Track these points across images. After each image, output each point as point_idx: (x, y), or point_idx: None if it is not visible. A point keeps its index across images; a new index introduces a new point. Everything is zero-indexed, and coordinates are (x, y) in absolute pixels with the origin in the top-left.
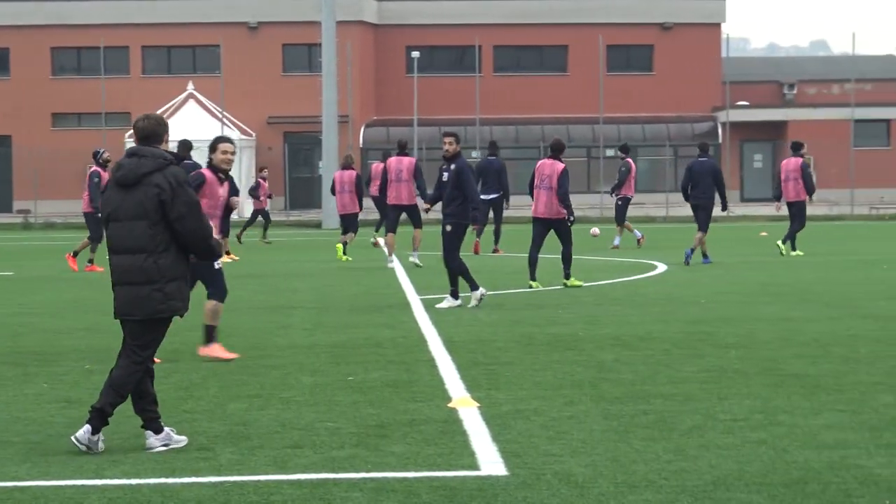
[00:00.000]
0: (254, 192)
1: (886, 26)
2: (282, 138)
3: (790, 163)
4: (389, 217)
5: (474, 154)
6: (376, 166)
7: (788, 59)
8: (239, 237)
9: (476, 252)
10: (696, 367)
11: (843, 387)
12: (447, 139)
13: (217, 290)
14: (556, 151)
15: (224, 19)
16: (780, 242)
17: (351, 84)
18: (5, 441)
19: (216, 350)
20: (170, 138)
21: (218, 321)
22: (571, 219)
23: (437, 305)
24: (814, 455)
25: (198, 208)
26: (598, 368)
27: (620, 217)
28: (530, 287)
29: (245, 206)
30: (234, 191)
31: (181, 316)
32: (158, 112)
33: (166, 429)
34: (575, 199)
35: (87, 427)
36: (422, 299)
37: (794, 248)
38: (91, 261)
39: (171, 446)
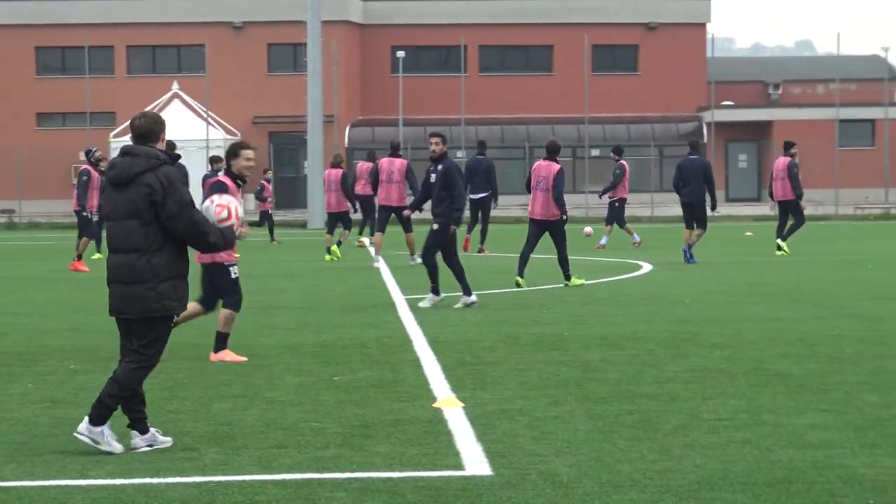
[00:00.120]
0: (260, 194)
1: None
2: (267, 138)
3: (780, 162)
4: (379, 217)
5: (460, 154)
6: (361, 165)
7: (773, 59)
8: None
9: (465, 249)
10: (680, 367)
11: (828, 386)
12: (433, 140)
13: (231, 299)
14: (552, 152)
15: (209, 19)
16: (780, 241)
17: (336, 84)
18: None
19: (227, 355)
20: (175, 140)
21: (230, 329)
22: (564, 217)
23: (420, 304)
24: (798, 455)
25: (190, 207)
26: (584, 368)
27: (617, 219)
28: (516, 283)
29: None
30: None
31: (177, 314)
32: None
33: (152, 429)
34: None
35: (86, 418)
36: (407, 299)
37: (782, 242)
38: (79, 257)
39: (155, 447)
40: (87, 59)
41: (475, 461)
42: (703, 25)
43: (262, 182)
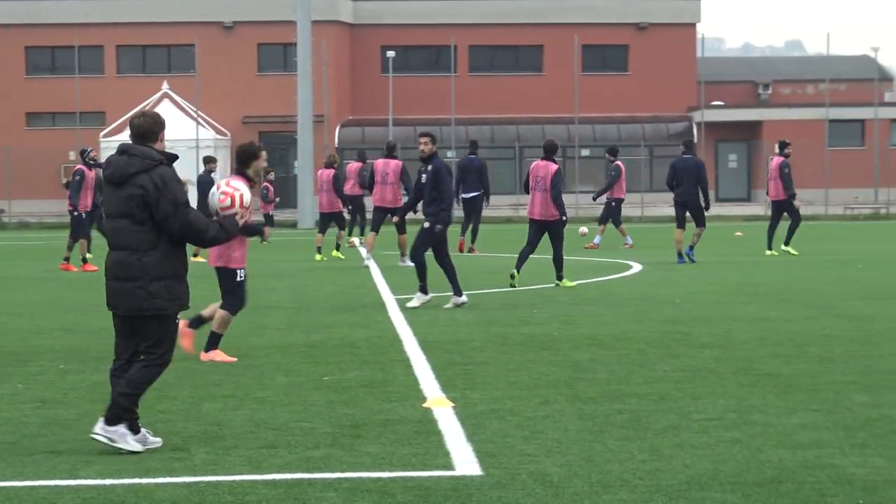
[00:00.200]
0: (266, 196)
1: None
2: (257, 138)
3: (774, 162)
4: (374, 217)
5: (450, 154)
6: (350, 166)
7: (763, 59)
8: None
9: (460, 250)
10: (670, 367)
11: (818, 386)
12: (422, 139)
13: (231, 301)
14: (550, 152)
15: (199, 19)
16: (785, 247)
17: (326, 84)
18: None
19: (217, 355)
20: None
21: (224, 330)
22: (564, 218)
23: (408, 304)
24: (788, 454)
25: (184, 208)
26: (574, 368)
27: (613, 219)
28: (511, 277)
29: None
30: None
31: (169, 313)
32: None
33: (143, 430)
34: None
35: (101, 419)
36: (397, 299)
37: (769, 247)
38: (67, 259)
39: (146, 446)
40: (77, 58)
41: (465, 461)
42: (692, 25)
43: (267, 184)
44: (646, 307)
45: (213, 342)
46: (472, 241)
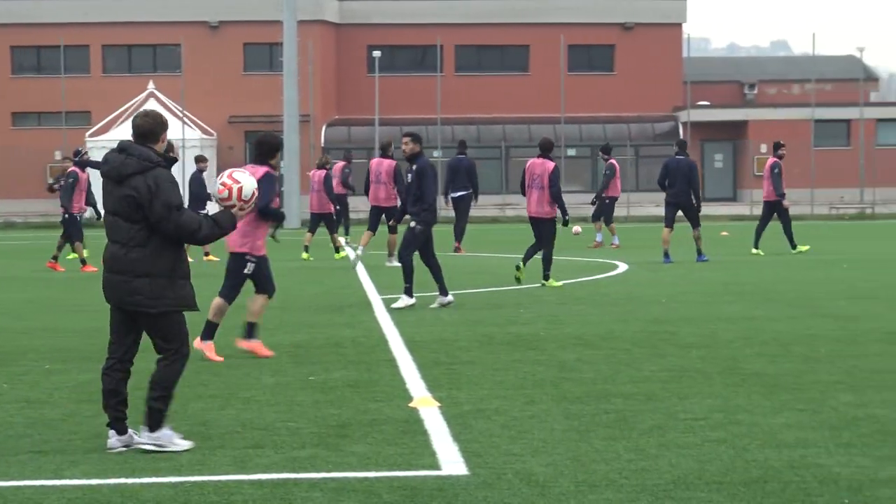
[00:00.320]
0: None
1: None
2: (243, 138)
3: (767, 162)
4: (370, 216)
5: (436, 154)
6: (336, 166)
7: (749, 59)
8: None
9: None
10: (657, 367)
11: (803, 386)
12: (404, 139)
13: (228, 289)
14: (545, 150)
15: (185, 18)
16: (793, 250)
17: (312, 83)
18: None
19: (210, 348)
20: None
21: (219, 319)
22: (566, 218)
23: (393, 305)
24: (773, 454)
25: (176, 210)
26: (560, 368)
27: (606, 217)
28: (517, 267)
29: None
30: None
31: (151, 313)
32: (118, 111)
33: (129, 430)
34: None
35: (143, 429)
36: (383, 299)
37: (755, 246)
38: (55, 258)
39: (131, 447)
40: (63, 58)
41: (451, 461)
42: (678, 25)
43: None
44: (632, 307)
45: (208, 331)
46: (459, 241)
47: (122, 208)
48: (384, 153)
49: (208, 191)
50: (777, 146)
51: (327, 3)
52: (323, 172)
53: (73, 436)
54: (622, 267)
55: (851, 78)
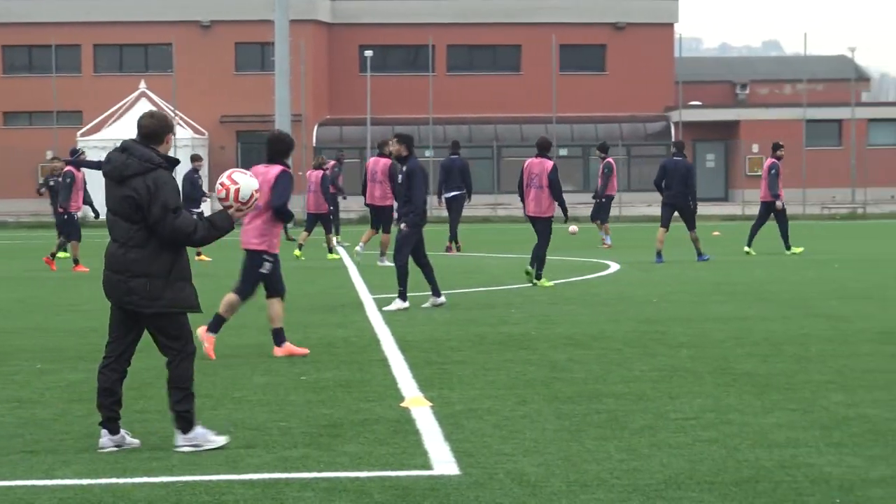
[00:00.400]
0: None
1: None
2: (234, 137)
3: (765, 163)
4: (370, 215)
5: (428, 153)
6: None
7: (741, 59)
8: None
9: (455, 251)
10: (648, 367)
11: (794, 386)
12: (391, 141)
13: (243, 286)
14: (543, 150)
15: (176, 18)
16: (787, 251)
17: (304, 83)
18: None
19: (210, 341)
20: (133, 138)
21: (229, 315)
22: (566, 217)
23: (385, 308)
24: (765, 454)
25: (172, 213)
26: (551, 368)
27: (604, 216)
28: (527, 272)
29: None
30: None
31: (146, 313)
32: (110, 111)
33: (122, 430)
34: None
35: (177, 433)
36: (375, 299)
37: (748, 244)
38: (54, 255)
39: (123, 447)
40: (54, 57)
41: (443, 461)
42: (670, 25)
43: None
44: (623, 307)
45: (215, 324)
46: (450, 240)
47: (122, 208)
48: (381, 152)
49: (204, 190)
50: (776, 147)
51: (319, 3)
52: (320, 173)
53: (65, 435)
54: (614, 267)
55: (843, 78)
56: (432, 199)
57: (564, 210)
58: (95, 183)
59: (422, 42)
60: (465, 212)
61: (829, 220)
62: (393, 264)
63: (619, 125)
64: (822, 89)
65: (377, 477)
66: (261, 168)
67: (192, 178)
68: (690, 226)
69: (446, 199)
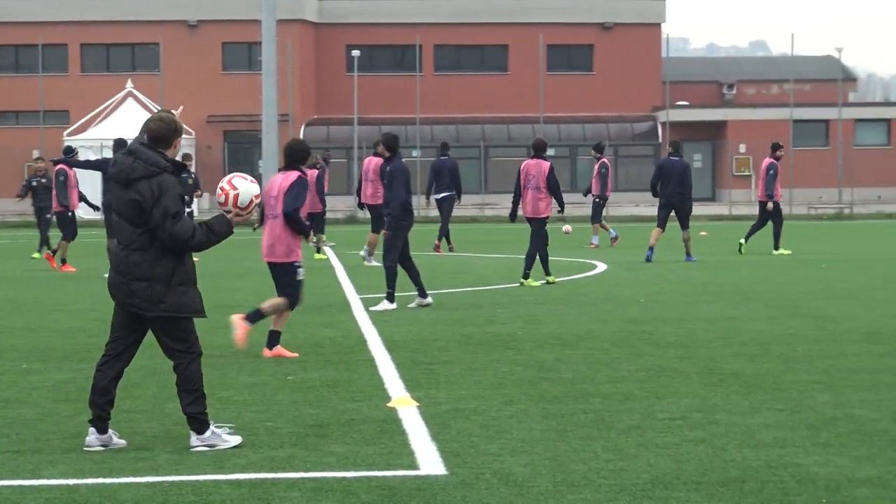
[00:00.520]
0: None
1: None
2: (221, 137)
3: (763, 163)
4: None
5: (415, 153)
6: None
7: (728, 59)
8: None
9: (451, 251)
10: (635, 367)
11: (781, 386)
12: (376, 140)
13: (290, 298)
14: (540, 151)
15: (164, 17)
16: (775, 251)
17: (291, 83)
18: None
19: (279, 351)
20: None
21: (275, 315)
22: (560, 209)
23: (372, 308)
24: (751, 454)
25: (171, 219)
26: (538, 368)
27: (594, 214)
28: (546, 282)
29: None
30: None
31: (148, 316)
32: (96, 111)
33: (110, 430)
34: None
35: (191, 435)
36: (362, 299)
37: (745, 241)
38: (54, 252)
39: (110, 447)
40: (41, 57)
41: (430, 461)
42: (657, 25)
43: None
44: (610, 307)
45: (256, 316)
46: (439, 240)
47: (127, 211)
48: (375, 151)
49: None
50: (775, 147)
51: (306, 3)
52: (315, 173)
53: (51, 435)
54: (601, 267)
55: (830, 78)
56: (419, 200)
57: (560, 201)
58: (87, 182)
59: (409, 42)
60: (453, 212)
61: (816, 220)
62: (380, 264)
63: (607, 125)
64: (809, 89)
65: (364, 477)
66: (279, 176)
67: (186, 177)
68: (683, 225)
69: (436, 199)
